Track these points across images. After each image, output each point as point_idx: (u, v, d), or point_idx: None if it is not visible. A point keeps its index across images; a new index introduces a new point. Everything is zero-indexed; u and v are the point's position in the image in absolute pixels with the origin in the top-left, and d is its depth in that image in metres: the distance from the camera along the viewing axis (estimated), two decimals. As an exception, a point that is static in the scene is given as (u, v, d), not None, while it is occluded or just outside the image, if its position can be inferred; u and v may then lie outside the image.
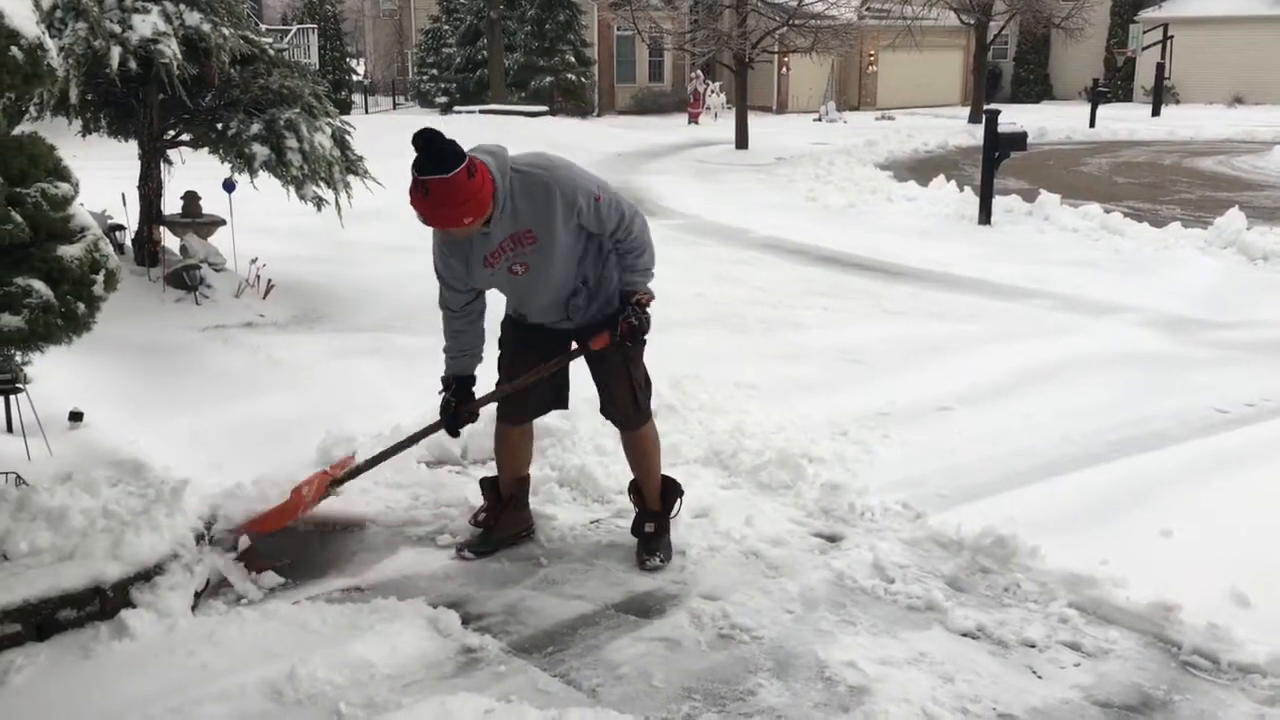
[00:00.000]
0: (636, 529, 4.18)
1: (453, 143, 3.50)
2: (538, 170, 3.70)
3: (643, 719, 3.09)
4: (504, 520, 4.24)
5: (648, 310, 3.93)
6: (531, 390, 4.08)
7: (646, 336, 4.06)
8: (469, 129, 22.89)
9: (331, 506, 4.34)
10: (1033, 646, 3.50)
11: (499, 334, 4.16)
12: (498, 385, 4.14)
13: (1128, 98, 37.95)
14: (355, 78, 37.34)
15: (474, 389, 4.09)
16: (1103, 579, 3.80)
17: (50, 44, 3.47)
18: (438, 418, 4.12)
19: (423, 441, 4.74)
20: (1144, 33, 35.77)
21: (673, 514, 4.23)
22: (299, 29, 29.54)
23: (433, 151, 3.45)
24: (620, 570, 4.02)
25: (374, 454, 4.29)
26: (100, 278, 3.61)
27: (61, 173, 3.60)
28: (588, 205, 3.72)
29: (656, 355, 6.53)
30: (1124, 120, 28.10)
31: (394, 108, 37.37)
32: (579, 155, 21.95)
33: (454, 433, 4.21)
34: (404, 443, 4.26)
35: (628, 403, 4.13)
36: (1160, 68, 33.24)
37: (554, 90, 31.84)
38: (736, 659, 3.43)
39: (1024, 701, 3.21)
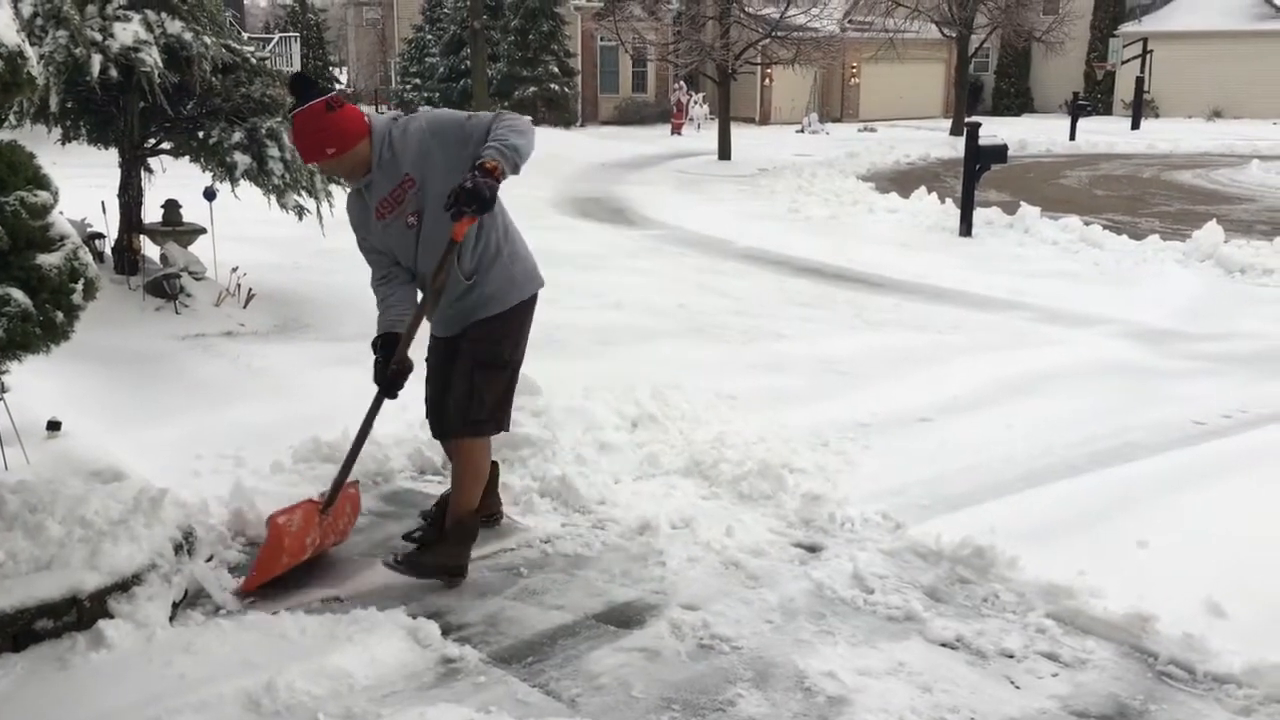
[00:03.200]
0: (409, 534, 4.17)
1: (318, 83, 3.79)
2: (411, 119, 3.84)
3: (622, 729, 3.09)
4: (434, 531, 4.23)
5: (492, 179, 3.58)
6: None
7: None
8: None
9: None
10: (1011, 657, 3.52)
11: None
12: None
13: (1108, 111, 38.27)
14: (338, 87, 37.24)
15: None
16: (1080, 589, 3.82)
17: (30, 52, 3.46)
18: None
19: (406, 455, 4.74)
20: (1124, 47, 36.12)
21: (453, 536, 3.99)
22: (281, 37, 29.49)
23: (297, 89, 3.75)
24: (601, 581, 4.02)
25: (342, 464, 4.07)
26: (79, 286, 3.59)
27: (41, 180, 3.58)
28: (455, 124, 3.78)
29: (638, 364, 6.63)
30: (1104, 133, 28.37)
31: (377, 117, 37.31)
32: (561, 165, 21.89)
33: (392, 395, 3.93)
34: (360, 434, 4.05)
35: (458, 402, 3.97)
36: (1140, 81, 33.55)
37: (537, 100, 31.88)
38: (716, 669, 3.44)
39: (1001, 711, 3.22)
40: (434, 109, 3.93)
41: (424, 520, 4.35)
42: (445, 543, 4.02)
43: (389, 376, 3.87)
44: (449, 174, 3.72)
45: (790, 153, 23.77)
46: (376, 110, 34.91)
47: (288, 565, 3.85)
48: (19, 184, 3.50)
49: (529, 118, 3.90)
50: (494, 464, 4.36)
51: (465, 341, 4.00)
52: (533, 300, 4.10)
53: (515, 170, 3.70)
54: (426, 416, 4.28)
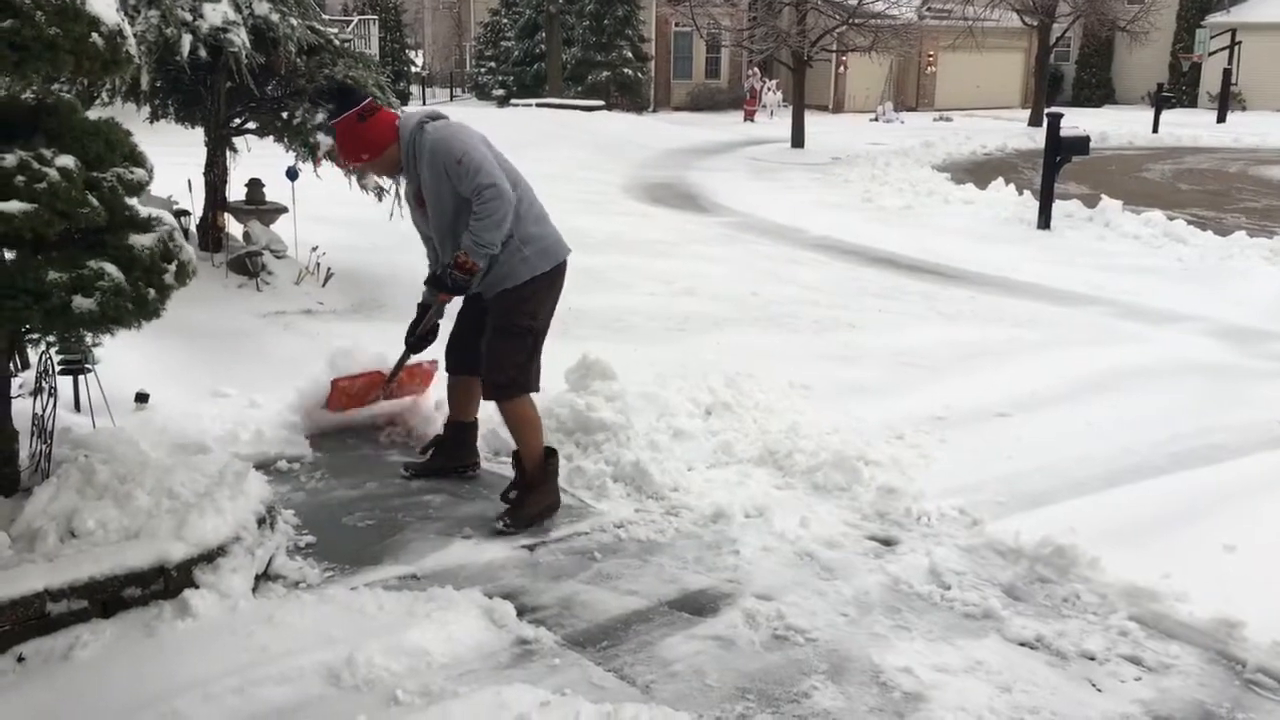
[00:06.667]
0: (504, 495, 4.45)
1: (354, 92, 4.37)
2: (428, 132, 4.23)
3: (696, 717, 3.09)
4: (439, 452, 4.79)
5: (464, 274, 4.18)
6: (461, 343, 4.59)
7: (518, 324, 4.36)
8: (525, 122, 22.93)
9: None
10: (1092, 659, 3.46)
11: None
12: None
13: (1192, 103, 37.29)
14: (414, 69, 37.58)
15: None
16: (1164, 592, 3.75)
17: (129, 31, 3.52)
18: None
19: (480, 437, 4.95)
20: (1211, 38, 35.16)
21: (537, 483, 4.41)
22: (360, 19, 29.80)
23: (334, 99, 4.37)
24: (674, 567, 4.02)
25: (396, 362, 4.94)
26: (172, 267, 3.65)
27: (137, 158, 3.64)
28: (449, 165, 4.15)
29: (710, 351, 6.61)
30: (1188, 126, 27.64)
31: (451, 99, 37.60)
32: (633, 150, 21.85)
33: (415, 351, 4.69)
34: (397, 366, 4.95)
35: (487, 372, 4.40)
36: (1227, 73, 32.63)
37: (610, 85, 31.89)
38: (790, 660, 3.42)
39: (1083, 714, 3.17)
40: (449, 125, 4.29)
41: (424, 452, 4.86)
42: (535, 489, 4.39)
43: (410, 342, 4.62)
44: (440, 195, 4.24)
45: (864, 141, 23.52)
46: (451, 95, 35.18)
47: (352, 403, 5.13)
48: (116, 161, 3.57)
49: (496, 204, 4.12)
50: (474, 423, 4.81)
51: (490, 309, 4.41)
52: (551, 273, 4.40)
53: (485, 259, 4.19)
54: (445, 355, 4.70)
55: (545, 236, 4.39)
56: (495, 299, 4.37)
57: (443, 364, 4.77)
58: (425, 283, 4.45)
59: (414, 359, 4.92)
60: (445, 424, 4.85)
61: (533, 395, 4.45)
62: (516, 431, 4.44)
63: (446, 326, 4.64)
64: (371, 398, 5.20)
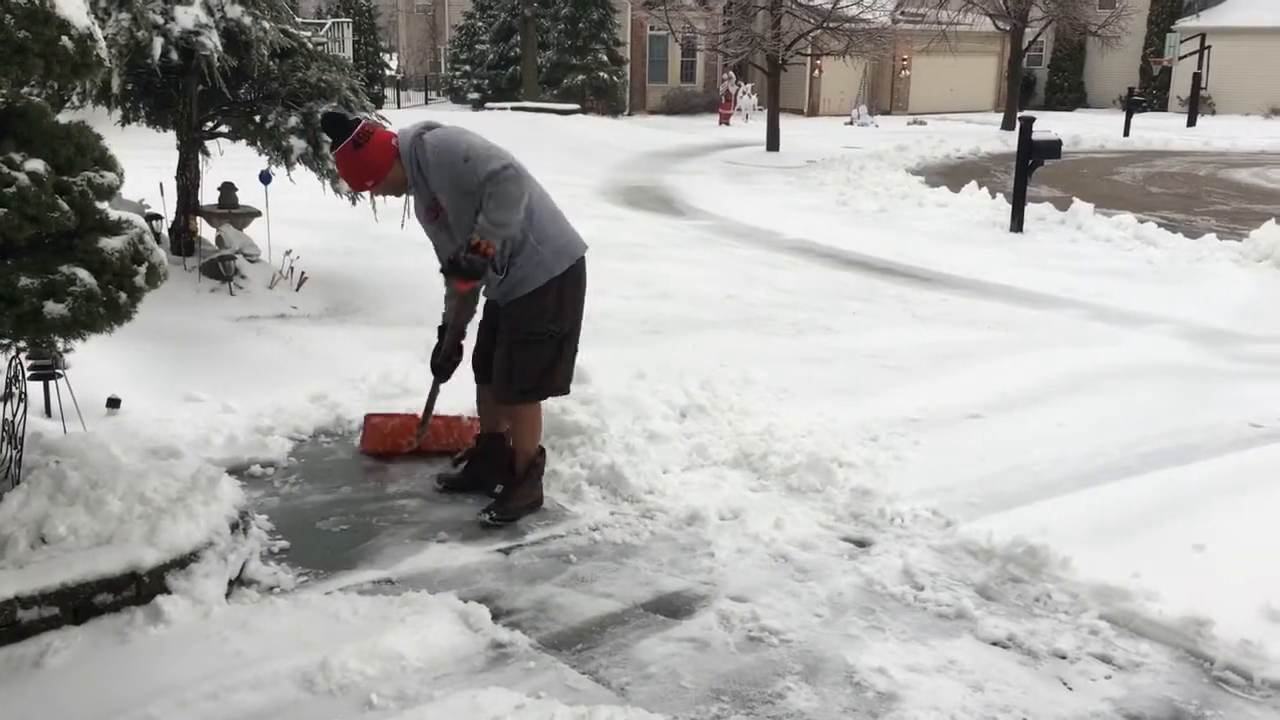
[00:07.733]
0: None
1: (344, 120, 4.17)
2: (427, 141, 4.12)
3: (671, 719, 3.10)
4: (473, 465, 4.69)
5: (480, 256, 4.02)
6: (487, 351, 4.48)
7: (532, 331, 4.28)
8: (500, 125, 22.94)
9: None
10: (1063, 658, 3.49)
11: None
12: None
13: (1163, 107, 37.60)
14: (388, 72, 37.47)
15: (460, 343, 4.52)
16: (1135, 591, 3.78)
17: (99, 34, 3.50)
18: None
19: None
20: (1181, 42, 35.45)
21: (523, 479, 4.47)
22: (334, 23, 29.69)
23: (329, 129, 4.23)
24: (649, 570, 4.03)
25: (425, 405, 4.68)
26: (142, 270, 3.63)
27: (107, 162, 3.63)
28: (457, 167, 4.04)
29: (686, 354, 6.62)
30: (1158, 130, 27.86)
31: (426, 103, 37.51)
32: (608, 154, 21.87)
33: (443, 378, 4.52)
34: (430, 397, 4.62)
35: (500, 375, 4.35)
36: (1197, 78, 32.95)
37: (586, 89, 31.90)
38: (765, 661, 3.44)
39: (1054, 713, 3.20)
40: (447, 131, 4.19)
41: (457, 464, 4.77)
42: (521, 485, 4.45)
43: (436, 365, 4.49)
44: (458, 201, 4.10)
45: (839, 145, 23.60)
46: (426, 99, 35.14)
47: (386, 443, 4.93)
48: (86, 165, 3.55)
49: (513, 184, 4.03)
50: (506, 434, 4.59)
51: (504, 319, 4.32)
52: (569, 273, 4.30)
53: (499, 240, 4.06)
54: (472, 365, 4.59)
55: (561, 234, 4.30)
56: (510, 308, 4.28)
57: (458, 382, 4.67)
58: (440, 271, 4.29)
59: (455, 412, 4.92)
60: (476, 436, 4.77)
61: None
62: (519, 431, 4.45)
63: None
64: (406, 442, 4.88)
